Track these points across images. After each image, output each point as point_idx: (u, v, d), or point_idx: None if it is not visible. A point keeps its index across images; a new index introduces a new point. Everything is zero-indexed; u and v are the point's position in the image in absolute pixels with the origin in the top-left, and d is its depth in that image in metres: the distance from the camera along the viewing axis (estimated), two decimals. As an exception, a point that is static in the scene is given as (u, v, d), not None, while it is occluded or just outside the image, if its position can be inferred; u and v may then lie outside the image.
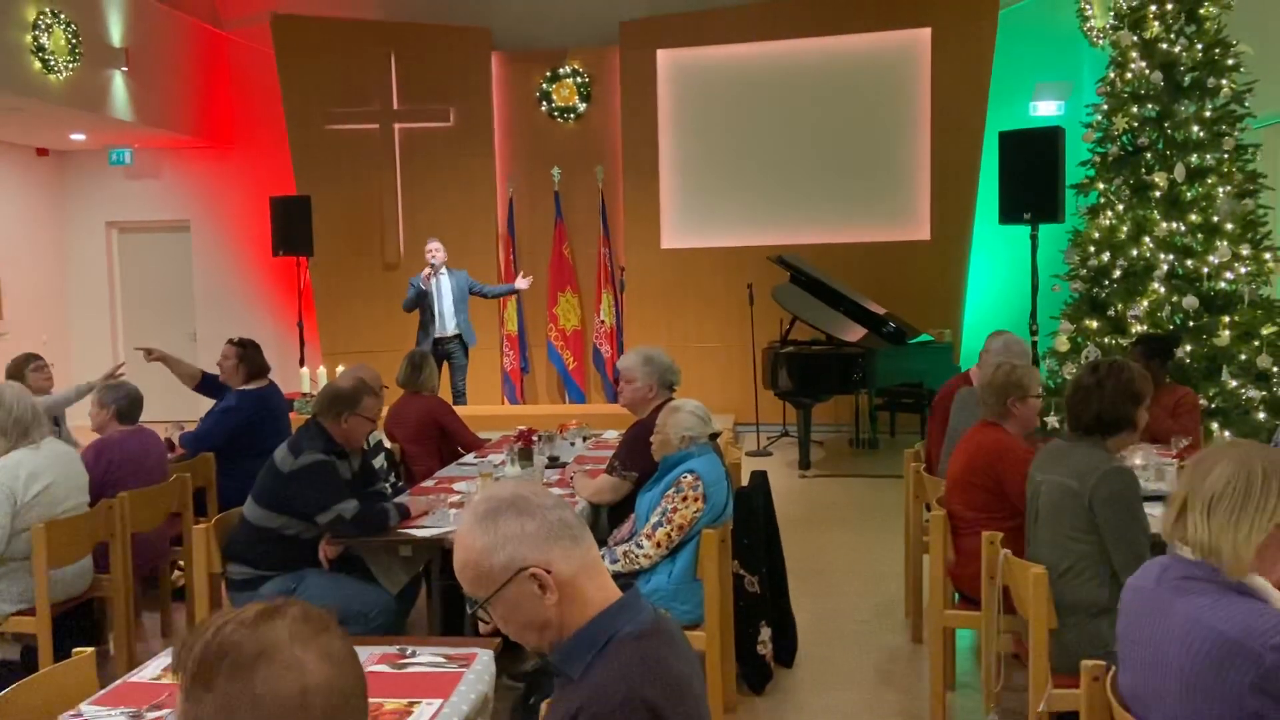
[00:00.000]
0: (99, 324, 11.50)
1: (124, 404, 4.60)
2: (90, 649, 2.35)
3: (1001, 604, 3.24)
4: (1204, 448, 4.93)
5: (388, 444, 5.09)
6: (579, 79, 10.43)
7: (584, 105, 10.46)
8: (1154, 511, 3.57)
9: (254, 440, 5.09)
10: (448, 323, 8.60)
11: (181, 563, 4.88)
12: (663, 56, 10.21)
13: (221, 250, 11.35)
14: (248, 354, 5.30)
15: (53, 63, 8.47)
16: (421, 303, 8.60)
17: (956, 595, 3.75)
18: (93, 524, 3.98)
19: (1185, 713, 1.85)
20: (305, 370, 8.92)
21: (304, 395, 8.38)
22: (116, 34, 9.42)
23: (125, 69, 9.43)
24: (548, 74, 10.45)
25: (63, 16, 8.60)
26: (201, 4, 10.96)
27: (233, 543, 3.78)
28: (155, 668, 2.53)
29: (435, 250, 8.61)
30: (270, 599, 1.21)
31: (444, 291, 8.60)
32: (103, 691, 2.35)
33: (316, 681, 1.13)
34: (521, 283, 9.13)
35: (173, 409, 7.82)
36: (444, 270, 8.62)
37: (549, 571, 1.54)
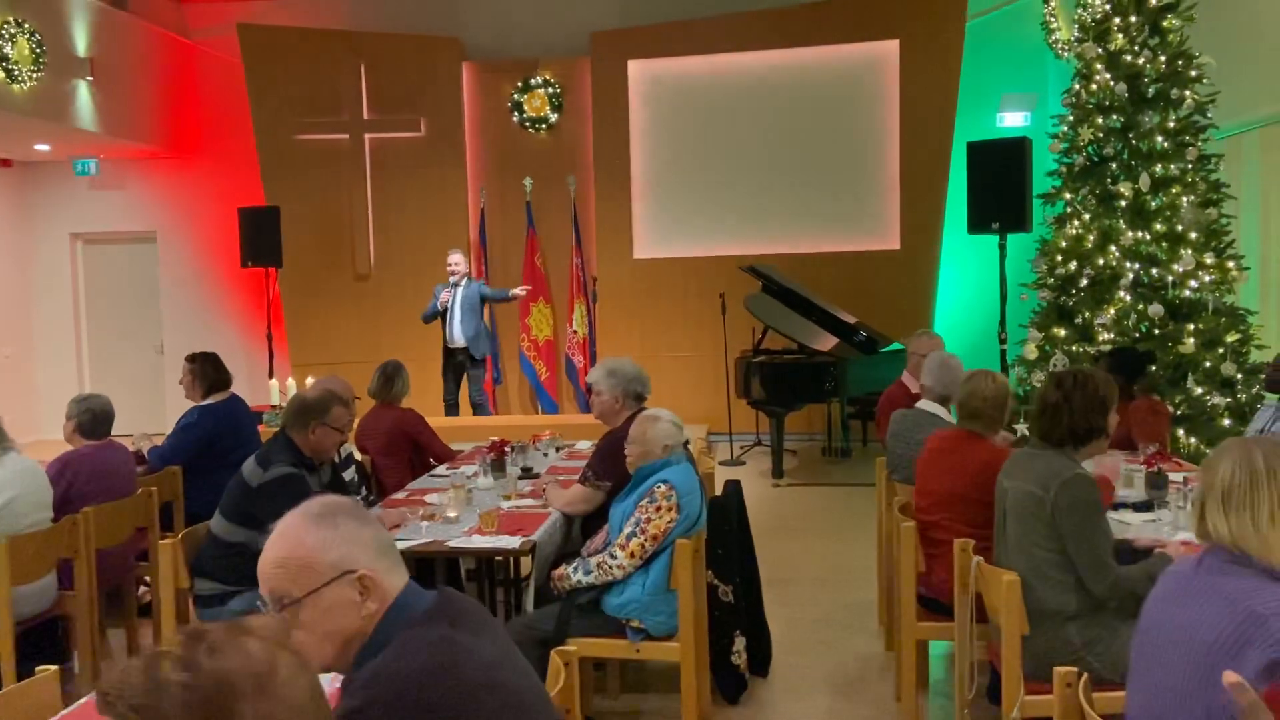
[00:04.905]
0: (63, 337, 11.33)
1: (84, 419, 4.50)
2: (54, 667, 2.30)
3: (975, 612, 3.25)
4: (1170, 453, 4.99)
5: (358, 456, 5.05)
6: (550, 89, 10.43)
7: (555, 115, 10.46)
8: (1122, 519, 3.63)
9: (220, 453, 5.03)
10: (457, 334, 8.66)
11: (148, 578, 4.81)
12: (634, 67, 10.23)
13: (189, 262, 11.23)
14: (203, 369, 5.20)
15: (16, 72, 8.36)
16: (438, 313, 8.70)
17: (930, 602, 3.75)
18: (56, 540, 3.91)
19: (1198, 688, 1.86)
20: (274, 382, 8.84)
21: (273, 407, 8.29)
22: (81, 43, 9.32)
23: (90, 79, 9.33)
24: (519, 84, 10.44)
25: (27, 26, 8.50)
26: (168, 13, 10.87)
27: (200, 558, 3.73)
28: (121, 686, 2.48)
29: (458, 264, 8.66)
30: (203, 627, 1.17)
31: (456, 303, 8.64)
32: (67, 711, 2.30)
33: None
34: (518, 290, 9.22)
35: (136, 422, 7.70)
36: (462, 282, 8.69)
37: (375, 580, 1.60)
